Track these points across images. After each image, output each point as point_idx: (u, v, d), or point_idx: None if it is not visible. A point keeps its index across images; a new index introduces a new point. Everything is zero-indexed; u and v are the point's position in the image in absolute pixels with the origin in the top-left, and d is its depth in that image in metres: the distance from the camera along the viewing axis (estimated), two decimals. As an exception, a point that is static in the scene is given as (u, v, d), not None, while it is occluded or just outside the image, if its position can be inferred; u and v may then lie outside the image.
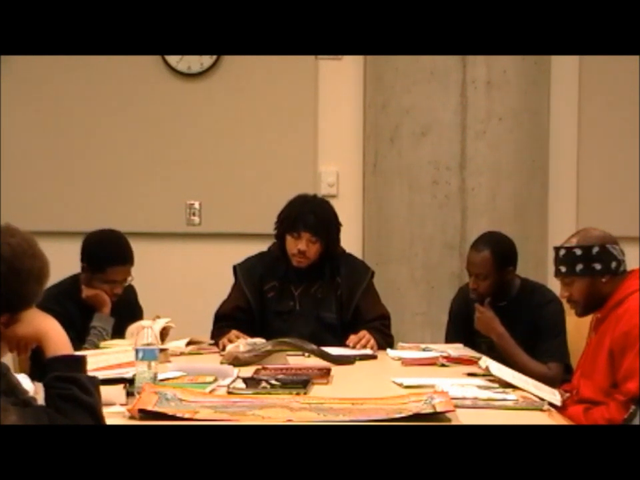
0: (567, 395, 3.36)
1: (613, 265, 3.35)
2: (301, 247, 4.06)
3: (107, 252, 3.95)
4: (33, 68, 5.28)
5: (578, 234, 3.45)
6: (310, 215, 4.08)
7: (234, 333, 3.91)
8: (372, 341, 3.94)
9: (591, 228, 3.48)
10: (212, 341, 4.07)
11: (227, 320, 4.12)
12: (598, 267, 3.34)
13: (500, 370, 3.24)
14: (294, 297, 4.13)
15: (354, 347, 3.90)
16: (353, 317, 4.12)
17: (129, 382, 2.82)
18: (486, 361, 3.32)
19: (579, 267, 3.35)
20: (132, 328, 3.62)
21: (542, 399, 2.94)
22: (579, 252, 3.36)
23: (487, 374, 3.27)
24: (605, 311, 3.34)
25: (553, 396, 3.10)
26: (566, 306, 3.70)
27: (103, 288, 3.93)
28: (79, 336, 3.70)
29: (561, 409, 3.06)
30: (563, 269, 3.39)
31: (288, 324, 4.08)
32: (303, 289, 4.14)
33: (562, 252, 3.40)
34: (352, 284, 4.14)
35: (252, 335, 3.91)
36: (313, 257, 4.10)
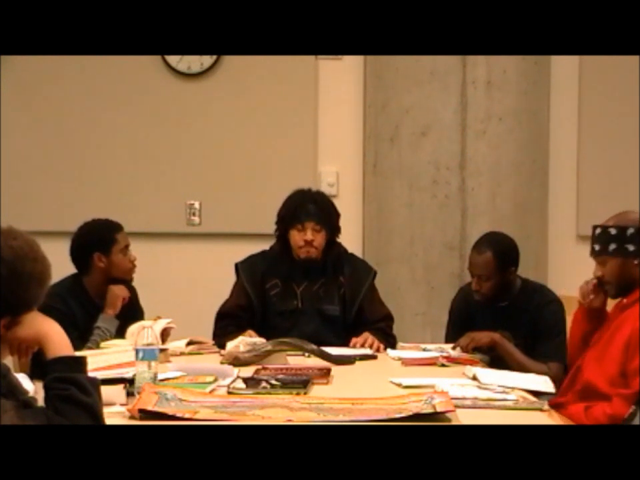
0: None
1: None
2: (307, 237, 4.08)
3: (102, 226, 4.02)
4: (33, 68, 5.28)
5: (617, 216, 3.42)
6: (310, 204, 4.13)
7: (249, 333, 3.91)
8: (376, 343, 3.94)
9: (630, 211, 3.45)
10: (213, 342, 4.07)
11: (229, 318, 4.12)
12: (631, 248, 3.32)
13: (488, 376, 3.22)
14: (296, 295, 4.12)
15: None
16: (357, 318, 4.12)
17: (129, 382, 2.82)
18: (472, 370, 3.31)
19: (612, 246, 3.34)
20: (132, 328, 3.62)
21: (538, 393, 2.94)
22: (613, 231, 3.34)
23: (486, 374, 3.27)
24: (631, 299, 3.32)
25: (545, 383, 3.10)
26: (566, 306, 3.69)
27: (125, 262, 3.98)
28: (82, 335, 3.70)
29: (561, 408, 3.05)
30: (597, 247, 3.38)
31: (290, 322, 4.08)
32: (305, 286, 4.14)
33: (598, 230, 3.39)
34: (355, 283, 4.14)
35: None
36: (320, 246, 4.11)
